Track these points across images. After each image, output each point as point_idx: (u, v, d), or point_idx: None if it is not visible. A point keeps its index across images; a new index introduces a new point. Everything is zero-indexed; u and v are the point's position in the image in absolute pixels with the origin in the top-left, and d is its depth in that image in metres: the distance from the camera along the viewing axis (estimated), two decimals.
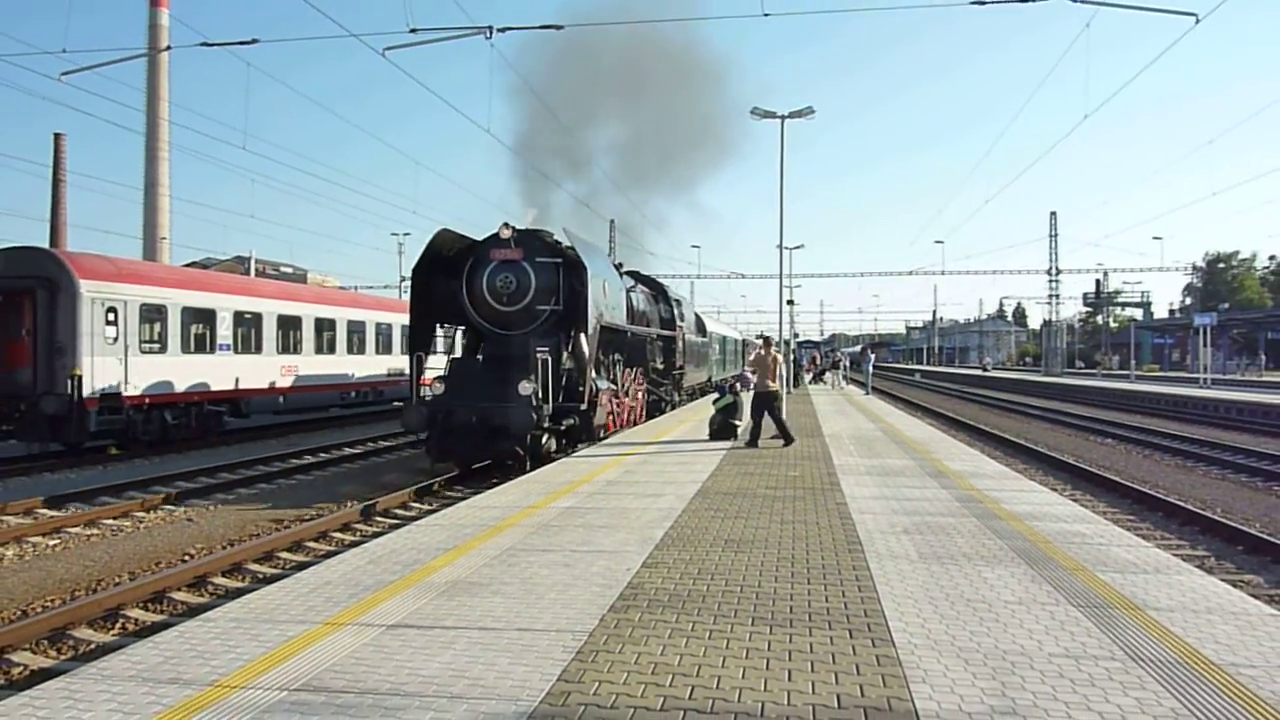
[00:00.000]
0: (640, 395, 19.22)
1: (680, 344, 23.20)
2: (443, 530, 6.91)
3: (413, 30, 12.59)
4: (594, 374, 14.01)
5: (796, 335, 56.41)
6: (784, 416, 13.76)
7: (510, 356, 13.53)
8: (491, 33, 12.45)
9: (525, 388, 12.69)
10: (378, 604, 4.84)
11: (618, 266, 18.72)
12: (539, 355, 12.84)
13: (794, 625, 4.44)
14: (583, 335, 13.55)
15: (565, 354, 13.84)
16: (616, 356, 16.63)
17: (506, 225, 13.77)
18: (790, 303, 37.56)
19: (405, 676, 3.74)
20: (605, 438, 14.56)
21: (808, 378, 38.27)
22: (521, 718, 3.31)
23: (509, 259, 13.82)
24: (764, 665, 3.86)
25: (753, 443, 13.16)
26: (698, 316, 30.31)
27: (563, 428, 13.60)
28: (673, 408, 22.89)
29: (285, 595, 5.04)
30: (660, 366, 21.72)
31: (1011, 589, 5.12)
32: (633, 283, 19.52)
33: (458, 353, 15.96)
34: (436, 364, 15.69)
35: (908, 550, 6.14)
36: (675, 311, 22.96)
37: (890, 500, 8.29)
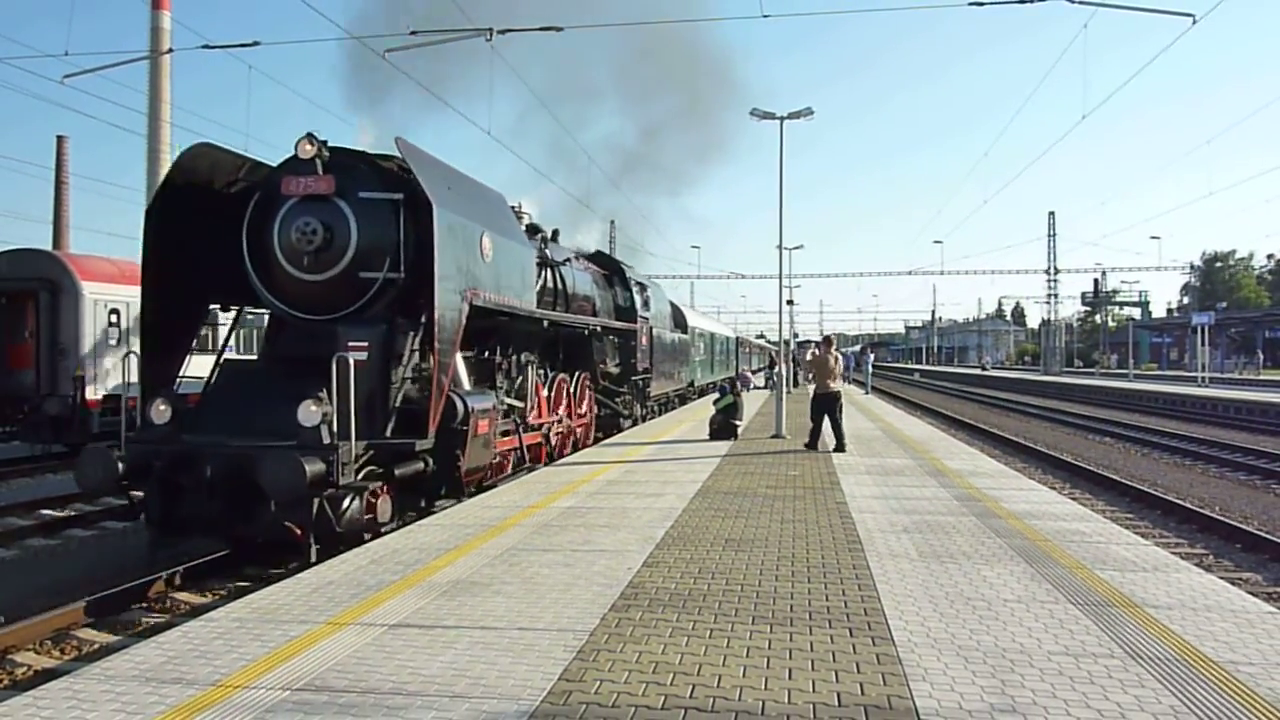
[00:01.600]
0: (586, 409, 14.59)
1: (644, 340, 17.96)
2: (444, 530, 6.93)
3: (413, 33, 12.61)
4: (466, 385, 9.02)
5: (796, 335, 56.40)
6: (825, 419, 12.68)
7: (316, 359, 7.76)
8: (492, 35, 12.45)
9: (308, 414, 7.25)
10: (380, 603, 4.86)
11: (551, 236, 13.68)
12: (349, 355, 7.54)
13: (794, 624, 4.46)
14: (435, 322, 7.95)
15: (408, 353, 8.38)
16: (526, 357, 11.34)
17: (310, 138, 8.18)
18: (790, 303, 37.59)
19: (407, 676, 3.75)
20: (489, 486, 9.47)
21: (806, 377, 38.33)
22: (523, 717, 3.33)
23: (314, 194, 8.25)
24: (765, 664, 3.88)
25: (812, 445, 12.47)
26: (675, 307, 25.37)
27: (386, 478, 7.78)
28: (635, 423, 17.80)
29: (287, 595, 5.06)
30: (614, 370, 16.57)
31: (1011, 587, 5.14)
32: (570, 255, 14.41)
33: (244, 351, 11.37)
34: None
35: (907, 549, 6.16)
36: (637, 298, 17.75)
37: (890, 499, 8.31)
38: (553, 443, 12.55)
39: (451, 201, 8.55)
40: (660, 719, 3.32)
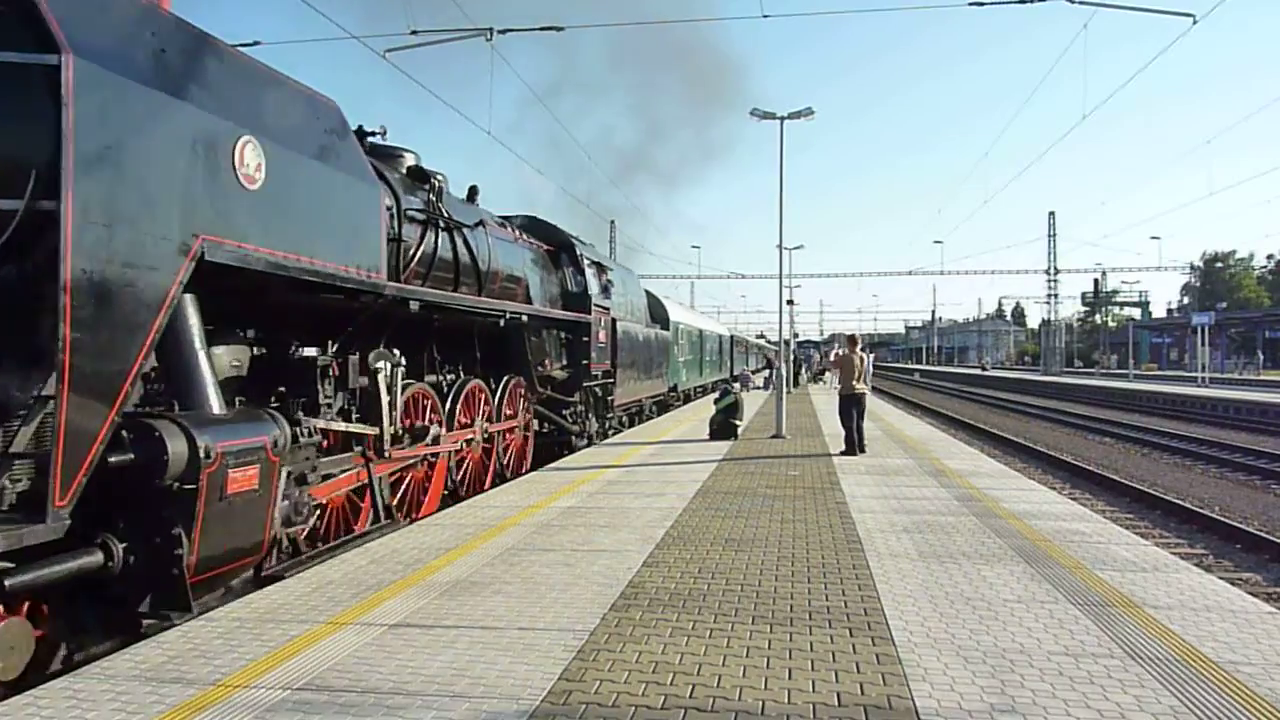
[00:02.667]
0: (516, 430, 11.34)
1: (602, 335, 14.34)
2: (444, 530, 6.93)
3: (413, 32, 12.62)
4: (214, 403, 5.16)
5: (796, 335, 56.42)
6: (864, 423, 12.36)
7: None
8: (492, 34, 12.46)
9: None
10: (380, 603, 4.86)
11: (468, 195, 10.48)
12: None
13: (794, 624, 4.46)
14: (69, 287, 4.06)
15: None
16: (378, 354, 7.53)
17: None
18: (790, 303, 37.62)
19: (407, 675, 3.75)
20: (273, 578, 5.72)
21: (807, 377, 38.39)
22: (523, 716, 3.33)
23: None
24: (764, 664, 3.88)
25: (850, 450, 12.00)
26: (653, 298, 22.05)
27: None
28: (590, 441, 14.18)
29: (288, 594, 5.06)
30: (559, 374, 12.98)
31: (1011, 587, 5.14)
32: (490, 219, 10.70)
33: None
34: None
35: (907, 549, 6.16)
36: (593, 282, 14.06)
37: (890, 499, 8.31)
38: (455, 477, 9.42)
39: (146, 65, 4.78)
40: (660, 719, 3.32)
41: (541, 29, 12.92)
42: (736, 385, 16.45)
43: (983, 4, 11.72)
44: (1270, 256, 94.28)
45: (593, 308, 13.85)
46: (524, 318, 10.77)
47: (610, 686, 3.62)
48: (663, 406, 22.51)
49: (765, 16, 13.89)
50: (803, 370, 37.54)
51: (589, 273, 14.08)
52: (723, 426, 14.47)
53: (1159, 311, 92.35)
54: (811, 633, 4.31)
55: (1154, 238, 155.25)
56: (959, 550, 6.13)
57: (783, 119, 16.49)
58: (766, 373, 42.88)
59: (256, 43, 13.81)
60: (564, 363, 13.37)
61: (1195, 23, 12.26)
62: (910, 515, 7.46)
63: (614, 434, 15.87)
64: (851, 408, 12.32)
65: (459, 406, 9.47)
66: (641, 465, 11.04)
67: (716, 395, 15.84)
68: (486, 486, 9.96)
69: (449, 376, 9.53)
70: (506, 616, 4.61)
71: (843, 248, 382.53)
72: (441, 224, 8.84)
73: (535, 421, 12.32)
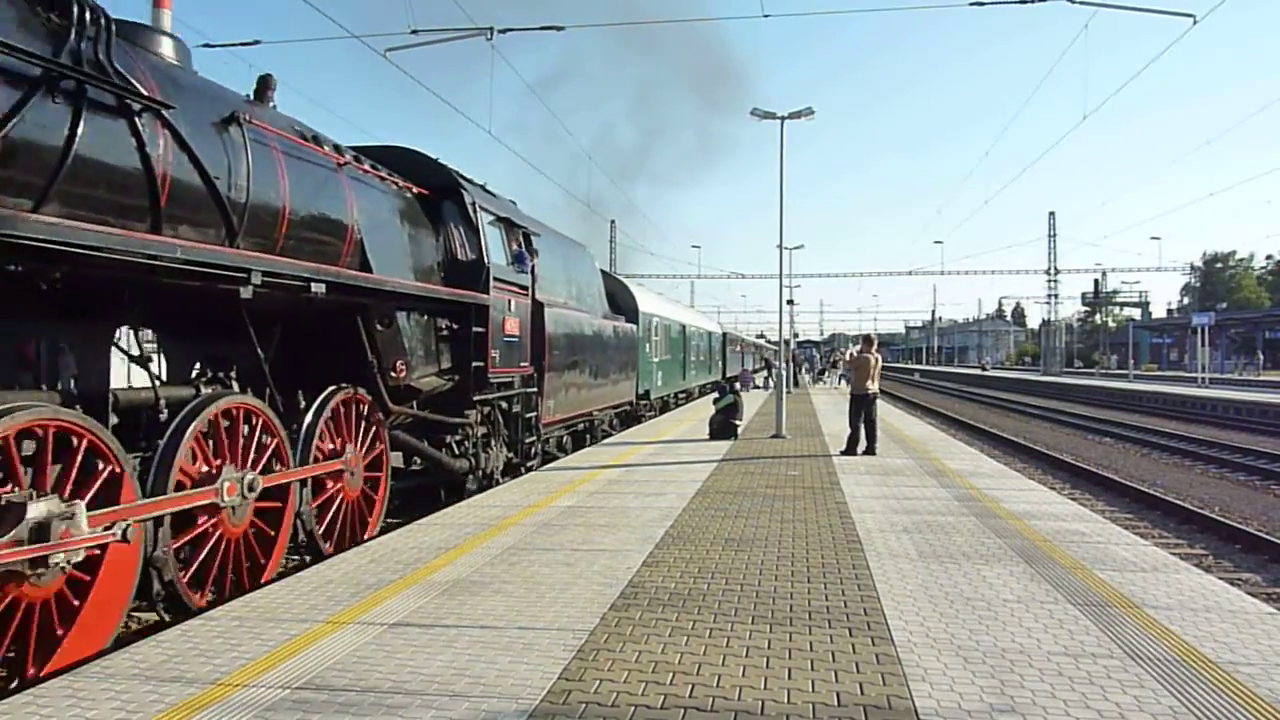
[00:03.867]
0: (347, 476, 7.28)
1: (509, 326, 9.99)
2: (443, 529, 6.93)
3: (414, 31, 12.62)
4: None
5: (796, 335, 56.43)
6: (876, 419, 12.34)
7: None
8: (493, 34, 12.47)
9: None
10: (379, 602, 4.86)
11: (254, 92, 6.73)
12: None
13: (794, 624, 4.46)
14: None
15: None
16: None
17: None
18: (790, 303, 37.62)
19: (407, 675, 3.75)
20: None
21: (807, 377, 38.41)
22: (522, 716, 3.33)
23: None
24: (764, 663, 3.88)
25: (851, 449, 12.08)
26: (615, 282, 18.67)
27: None
28: (491, 482, 9.94)
29: (288, 594, 5.06)
30: (431, 382, 8.68)
31: (1010, 587, 5.14)
32: (241, 110, 5.91)
33: None
34: None
35: (907, 549, 6.16)
36: (496, 248, 9.86)
37: (890, 499, 8.31)
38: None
39: None
40: (660, 718, 3.32)
41: (541, 28, 12.93)
42: (736, 385, 16.43)
43: (983, 4, 11.72)
44: (1270, 257, 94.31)
45: (493, 284, 9.44)
46: (320, 289, 6.31)
47: (610, 686, 3.62)
48: (629, 419, 18.16)
49: (766, 16, 13.90)
50: (803, 370, 37.58)
51: (489, 233, 9.66)
52: (722, 426, 14.48)
53: (1159, 312, 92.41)
54: (811, 633, 4.31)
55: (1154, 238, 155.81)
56: (959, 550, 6.13)
57: (783, 119, 16.48)
58: (765, 373, 42.72)
59: (257, 42, 13.82)
60: (442, 367, 8.96)
61: (1195, 23, 12.27)
62: (910, 515, 7.47)
63: (539, 465, 11.39)
64: (861, 407, 12.32)
65: (178, 456, 5.30)
66: (641, 465, 11.04)
67: (715, 395, 15.83)
68: (276, 572, 6.32)
69: (199, 391, 5.90)
70: (506, 616, 4.61)
71: (843, 248, 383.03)
72: (108, 99, 4.81)
73: (395, 458, 8.45)
